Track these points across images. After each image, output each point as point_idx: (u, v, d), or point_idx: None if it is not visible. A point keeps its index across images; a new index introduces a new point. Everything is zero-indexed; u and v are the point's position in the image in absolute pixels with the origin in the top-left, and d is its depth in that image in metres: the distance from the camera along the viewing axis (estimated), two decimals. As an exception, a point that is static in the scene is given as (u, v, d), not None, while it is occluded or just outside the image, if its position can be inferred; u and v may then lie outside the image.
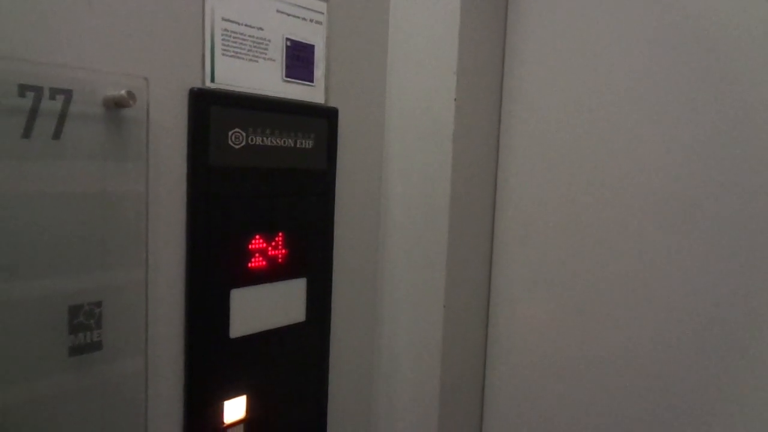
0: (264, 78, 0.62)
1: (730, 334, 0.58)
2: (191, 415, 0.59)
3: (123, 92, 0.48)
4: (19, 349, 0.46)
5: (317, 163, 0.68)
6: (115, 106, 0.49)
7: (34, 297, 0.46)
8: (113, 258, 0.51)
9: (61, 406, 0.49)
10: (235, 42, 0.59)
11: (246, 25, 0.60)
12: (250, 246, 0.62)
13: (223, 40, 0.58)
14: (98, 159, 0.49)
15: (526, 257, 0.76)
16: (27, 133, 0.44)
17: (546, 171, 0.73)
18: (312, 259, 0.69)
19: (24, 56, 0.45)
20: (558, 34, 0.71)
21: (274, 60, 0.63)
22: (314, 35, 0.67)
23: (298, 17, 0.65)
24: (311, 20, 0.66)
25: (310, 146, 0.67)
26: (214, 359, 0.60)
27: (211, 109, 0.57)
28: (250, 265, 0.62)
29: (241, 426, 0.64)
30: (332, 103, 0.70)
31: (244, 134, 0.60)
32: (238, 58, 0.60)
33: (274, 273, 0.65)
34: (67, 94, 0.46)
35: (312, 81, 0.67)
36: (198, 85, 0.57)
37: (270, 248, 0.64)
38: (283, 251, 0.65)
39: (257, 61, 0.61)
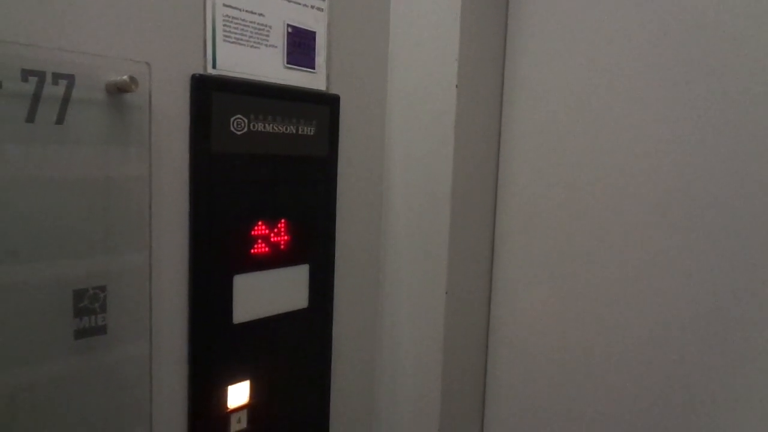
0: (265, 64, 0.62)
1: (734, 325, 0.59)
2: (195, 400, 0.60)
3: (125, 77, 0.48)
4: (26, 333, 0.46)
5: (319, 149, 0.68)
6: (118, 91, 0.49)
7: (38, 281, 0.46)
8: (117, 243, 0.51)
9: (67, 389, 0.49)
10: (237, 28, 0.59)
11: (247, 11, 0.60)
12: (252, 232, 0.62)
13: (224, 26, 0.58)
14: (101, 144, 0.49)
15: (527, 244, 0.76)
16: (31, 117, 0.44)
17: (548, 158, 0.73)
18: (314, 246, 0.69)
19: (26, 41, 0.45)
20: (559, 20, 0.71)
21: (275, 46, 0.63)
22: (315, 22, 0.67)
23: (299, 3, 0.65)
24: (312, 6, 0.66)
25: (312, 133, 0.67)
26: (217, 344, 0.61)
27: (212, 96, 0.57)
28: (252, 251, 0.62)
29: (245, 411, 0.64)
30: (333, 90, 0.70)
31: (245, 120, 0.60)
32: (240, 44, 0.60)
33: (277, 259, 0.65)
34: (70, 78, 0.46)
35: (313, 68, 0.67)
36: (200, 71, 0.57)
37: (272, 234, 0.64)
38: (286, 237, 0.65)
39: (258, 48, 0.62)
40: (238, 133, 0.60)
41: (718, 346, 0.60)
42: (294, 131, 0.65)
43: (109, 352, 0.51)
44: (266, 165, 0.63)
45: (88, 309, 0.49)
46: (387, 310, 0.80)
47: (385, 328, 0.81)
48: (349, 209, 0.74)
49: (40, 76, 0.45)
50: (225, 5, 0.58)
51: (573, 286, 0.71)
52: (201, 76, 0.56)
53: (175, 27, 0.55)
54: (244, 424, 0.64)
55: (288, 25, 0.64)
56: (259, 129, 0.61)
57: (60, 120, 0.46)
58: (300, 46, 0.66)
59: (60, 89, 0.46)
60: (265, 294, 0.64)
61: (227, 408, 0.62)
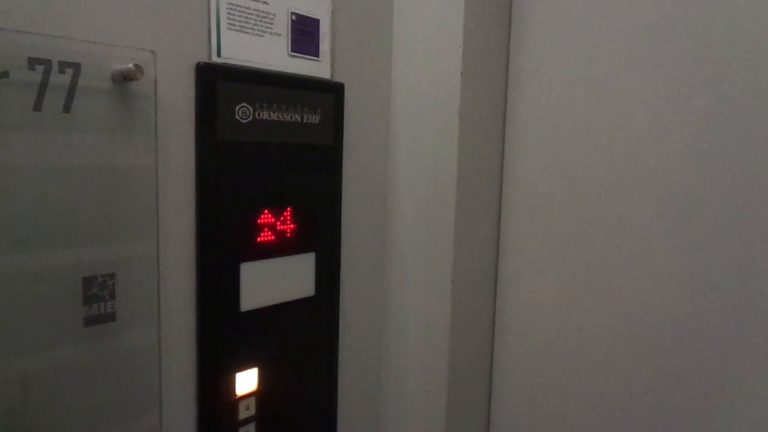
0: (270, 52, 0.62)
1: (738, 313, 0.59)
2: (204, 387, 0.60)
3: (131, 65, 0.48)
4: (36, 320, 0.47)
5: (324, 138, 0.68)
6: (123, 79, 0.49)
7: (47, 268, 0.47)
8: (124, 231, 0.51)
9: (77, 376, 0.50)
10: (241, 16, 0.59)
11: (251, -1, 0.60)
12: (258, 220, 0.62)
13: (228, 14, 0.58)
14: (108, 132, 0.49)
15: (534, 231, 0.76)
16: (38, 106, 0.45)
17: (554, 145, 0.73)
18: (320, 234, 0.69)
19: (33, 29, 0.45)
20: (564, 6, 0.71)
21: (279, 34, 0.63)
22: (319, 9, 0.67)
23: (303, -9, 0.65)
24: (316, -6, 0.66)
25: (317, 121, 0.67)
26: (225, 332, 0.61)
27: (217, 84, 0.57)
28: (258, 239, 0.63)
29: (254, 398, 0.65)
30: (338, 78, 0.70)
31: (250, 109, 0.60)
32: (244, 32, 0.60)
33: (283, 247, 0.65)
34: (76, 67, 0.47)
35: (318, 56, 0.67)
36: (204, 59, 0.57)
37: (278, 223, 0.64)
38: (291, 226, 0.66)
39: (263, 36, 0.61)
40: (243, 121, 0.60)
41: (730, 334, 0.59)
42: (299, 119, 0.65)
43: (118, 339, 0.52)
44: (271, 153, 0.63)
45: (97, 296, 0.50)
46: (393, 297, 0.81)
47: (391, 316, 0.81)
48: (354, 197, 0.74)
49: (47, 64, 0.45)
50: (229, -7, 0.58)
51: (579, 273, 0.71)
52: (206, 64, 0.57)
53: (179, 15, 0.55)
54: (252, 411, 0.64)
55: (292, 13, 0.64)
56: (264, 117, 0.62)
57: (67, 108, 0.46)
58: (304, 34, 0.66)
59: (66, 78, 0.46)
60: (271, 282, 0.65)
61: (236, 395, 0.63)
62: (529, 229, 0.76)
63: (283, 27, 0.63)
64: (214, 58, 0.58)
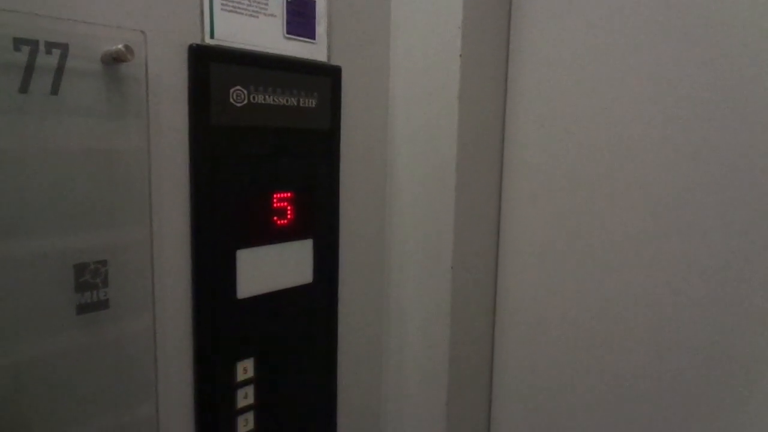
0: (264, 34, 0.61)
1: (744, 298, 0.58)
2: (201, 375, 0.59)
3: (121, 46, 0.47)
4: (27, 308, 0.46)
5: (321, 122, 0.67)
6: (113, 60, 0.48)
7: (37, 255, 0.46)
8: (117, 216, 0.50)
9: (71, 365, 0.49)
10: (234, -4, 0.58)
11: (244, -21, 0.58)
12: (254, 206, 0.61)
13: (221, -6, 0.56)
14: (98, 115, 0.48)
15: (534, 217, 0.75)
16: (24, 87, 0.43)
17: (554, 128, 0.71)
18: (318, 220, 0.68)
19: (18, 8, 0.43)
20: (566, -16, 0.69)
21: (274, 15, 0.61)
22: (315, -10, 0.65)
23: (298, -29, 0.63)
24: (311, -26, 0.64)
25: (314, 105, 0.66)
26: (222, 319, 0.60)
27: (211, 66, 0.56)
28: (255, 225, 0.61)
29: (251, 386, 0.64)
30: (335, 61, 0.69)
31: (245, 92, 0.59)
32: (238, 13, 0.58)
33: (280, 234, 0.64)
34: (63, 48, 0.45)
35: (314, 38, 0.66)
36: (197, 41, 0.55)
37: (275, 208, 0.63)
38: (289, 212, 0.65)
39: (257, 17, 0.60)
40: (238, 105, 0.58)
41: (736, 323, 0.59)
42: (295, 103, 0.64)
43: (112, 327, 0.51)
44: (267, 138, 0.62)
45: (90, 284, 0.49)
46: (393, 284, 0.80)
47: (391, 304, 0.80)
48: (352, 182, 0.73)
49: (33, 45, 0.44)
50: (221, -28, 0.56)
51: (579, 259, 0.70)
52: (199, 46, 0.55)
53: (170, -6, 0.53)
54: (250, 399, 0.64)
55: (287, -6, 0.62)
56: (260, 101, 0.60)
57: (54, 90, 0.45)
58: (300, 16, 0.64)
59: (53, 59, 0.45)
60: (269, 269, 0.64)
61: (233, 383, 0.62)
62: (531, 214, 0.75)
63: (278, 8, 0.62)
64: (207, 40, 0.56)
